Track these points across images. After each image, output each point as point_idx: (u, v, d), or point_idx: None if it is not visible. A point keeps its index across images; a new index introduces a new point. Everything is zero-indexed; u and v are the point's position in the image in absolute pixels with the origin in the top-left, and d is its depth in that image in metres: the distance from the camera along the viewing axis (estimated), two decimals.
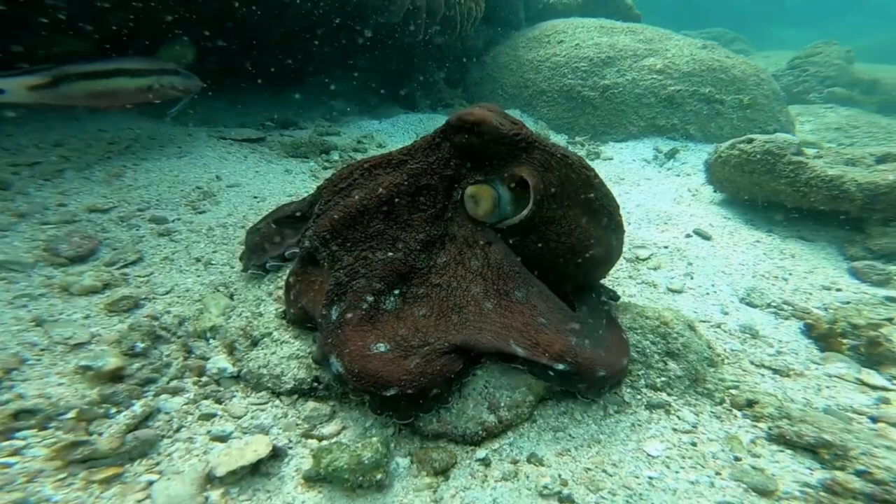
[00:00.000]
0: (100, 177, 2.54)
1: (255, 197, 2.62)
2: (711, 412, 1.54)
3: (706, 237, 2.99)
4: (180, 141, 3.14)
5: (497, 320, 1.47)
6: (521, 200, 1.61)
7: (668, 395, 1.59)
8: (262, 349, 1.77)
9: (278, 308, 1.87)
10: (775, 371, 1.74)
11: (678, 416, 1.51)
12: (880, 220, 2.63)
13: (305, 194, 2.78)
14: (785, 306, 2.27)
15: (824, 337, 1.92)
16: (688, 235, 3.02)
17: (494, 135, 1.56)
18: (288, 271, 1.81)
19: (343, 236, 1.59)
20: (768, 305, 2.29)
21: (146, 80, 2.44)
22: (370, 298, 1.49)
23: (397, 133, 4.48)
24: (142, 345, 1.73)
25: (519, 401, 1.57)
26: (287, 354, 1.72)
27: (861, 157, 3.05)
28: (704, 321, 2.09)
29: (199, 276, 2.10)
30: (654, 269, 2.67)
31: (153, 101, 2.51)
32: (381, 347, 1.40)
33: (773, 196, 3.03)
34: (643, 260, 2.76)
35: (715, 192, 3.66)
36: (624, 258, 2.76)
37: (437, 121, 4.91)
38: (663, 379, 1.62)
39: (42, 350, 1.62)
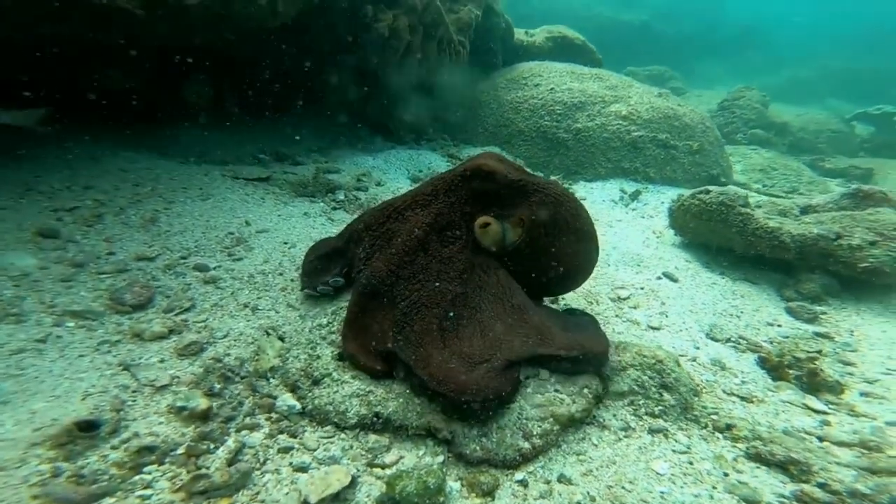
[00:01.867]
0: (136, 222, 2.72)
1: (285, 243, 2.88)
2: (699, 435, 2.00)
3: (674, 279, 3.54)
4: (199, 182, 3.33)
5: (521, 331, 1.89)
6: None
7: (665, 421, 2.05)
8: (325, 388, 2.07)
9: (333, 351, 2.17)
10: (742, 398, 2.25)
11: (675, 439, 1.96)
12: (807, 267, 3.28)
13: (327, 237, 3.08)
14: (741, 341, 2.83)
15: (775, 368, 2.46)
16: (658, 277, 3.56)
17: (505, 182, 2.01)
18: (345, 315, 2.12)
19: (396, 275, 1.95)
20: (728, 340, 2.84)
21: None
22: (436, 322, 1.85)
23: (391, 170, 4.83)
24: (218, 386, 1.98)
25: (548, 429, 1.97)
26: (349, 393, 2.03)
27: (790, 208, 3.73)
28: (682, 355, 2.58)
29: (248, 321, 2.35)
30: (634, 307, 3.17)
31: None
32: (454, 362, 1.77)
33: (725, 242, 3.64)
34: (624, 300, 3.26)
35: (676, 235, 4.26)
36: (609, 298, 3.25)
37: (426, 157, 5.31)
38: (660, 408, 2.08)
39: (134, 392, 1.84)
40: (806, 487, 1.74)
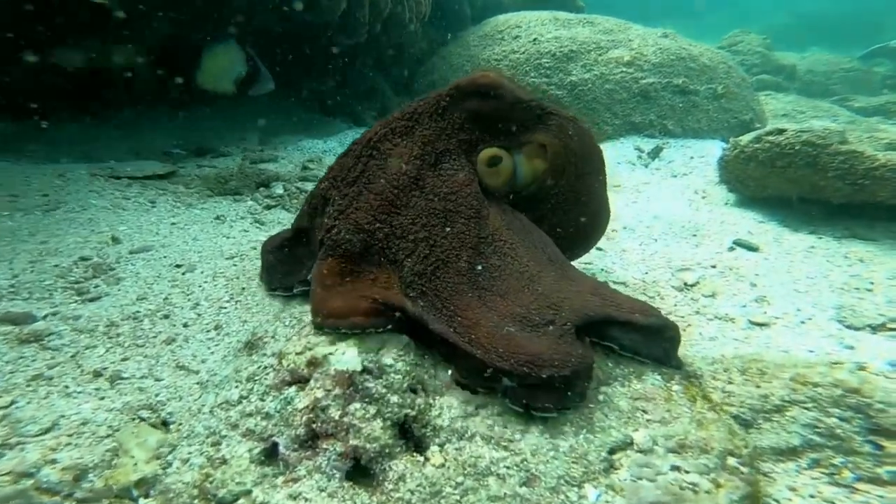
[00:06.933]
0: None
1: (178, 266, 1.85)
2: None
3: (752, 248, 2.66)
4: (45, 185, 2.29)
5: (574, 288, 1.44)
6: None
7: None
8: None
9: (252, 449, 1.21)
10: None
11: None
12: None
13: (251, 250, 2.10)
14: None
15: None
16: (730, 248, 2.68)
17: (512, 99, 1.58)
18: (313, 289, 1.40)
19: (390, 224, 1.45)
20: (878, 327, 1.97)
21: None
22: (465, 279, 1.38)
23: None
24: None
25: None
26: None
27: None
28: (837, 363, 1.69)
29: (102, 400, 1.39)
30: (711, 296, 2.28)
31: None
32: (512, 328, 1.28)
33: (812, 192, 2.79)
34: (692, 286, 2.36)
35: (730, 191, 3.41)
36: (673, 287, 2.35)
37: None
38: (890, 468, 1.17)
39: None
40: None
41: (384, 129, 1.60)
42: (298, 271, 1.70)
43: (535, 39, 4.98)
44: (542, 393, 1.22)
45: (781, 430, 1.32)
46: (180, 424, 1.37)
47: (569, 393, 1.23)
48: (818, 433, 1.26)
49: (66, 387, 1.40)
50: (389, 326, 1.31)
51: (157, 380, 1.48)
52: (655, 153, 4.46)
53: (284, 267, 1.75)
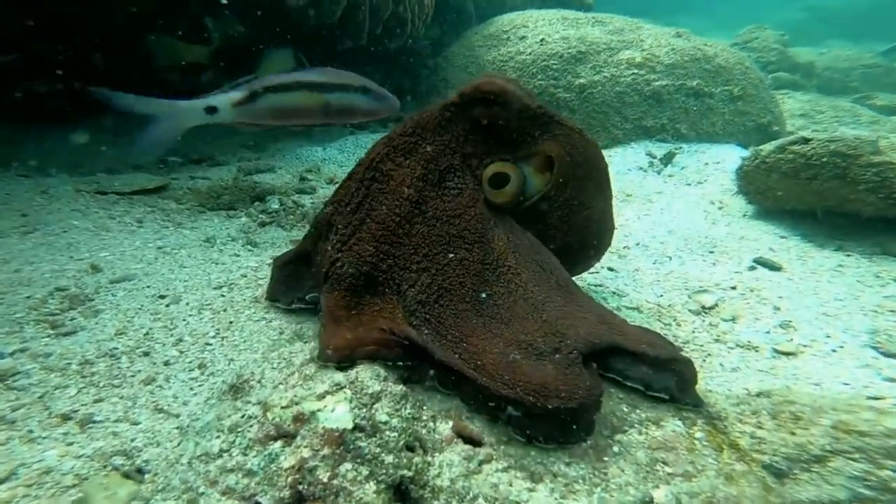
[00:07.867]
0: None
1: (162, 297, 1.75)
2: None
3: (775, 267, 2.54)
4: (26, 204, 2.20)
5: (581, 315, 1.41)
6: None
7: None
8: None
9: None
10: None
11: None
12: None
13: (241, 278, 2.01)
14: None
15: None
16: (751, 267, 2.56)
17: (519, 107, 1.54)
18: (322, 324, 1.42)
19: (392, 255, 1.46)
20: None
21: (323, 98, 2.19)
22: (470, 307, 1.39)
23: (348, 162, 3.77)
24: None
25: None
26: None
27: None
28: (876, 398, 1.58)
29: (70, 446, 1.31)
30: (731, 320, 2.17)
31: (332, 122, 2.28)
32: (517, 355, 1.27)
33: (840, 205, 2.66)
34: (710, 309, 2.25)
35: (749, 203, 3.29)
36: (689, 311, 2.24)
37: None
38: None
39: None
40: None
41: (386, 149, 1.58)
42: (299, 289, 1.75)
43: (542, 40, 4.87)
44: (547, 424, 1.18)
45: (823, 482, 1.21)
46: (156, 475, 1.28)
47: (575, 426, 1.18)
48: (868, 486, 1.15)
49: (31, 431, 1.32)
50: (400, 363, 1.31)
51: (134, 424, 1.39)
52: (668, 159, 4.34)
53: (287, 283, 1.79)
